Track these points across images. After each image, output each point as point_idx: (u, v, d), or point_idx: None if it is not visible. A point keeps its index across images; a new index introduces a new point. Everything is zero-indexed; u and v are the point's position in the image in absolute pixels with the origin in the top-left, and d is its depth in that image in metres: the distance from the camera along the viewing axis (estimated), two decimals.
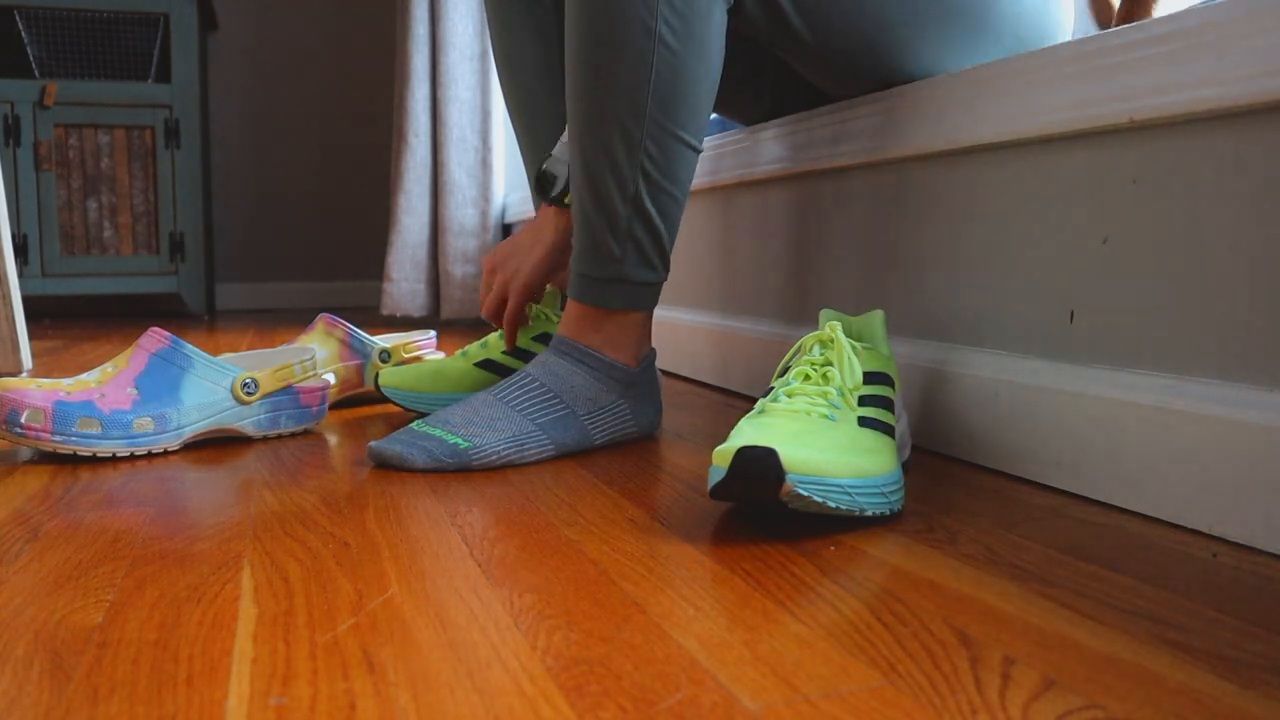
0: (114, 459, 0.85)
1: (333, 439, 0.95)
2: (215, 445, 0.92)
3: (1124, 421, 0.68)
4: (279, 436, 0.96)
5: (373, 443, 0.81)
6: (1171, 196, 0.67)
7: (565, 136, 1.01)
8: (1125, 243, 0.71)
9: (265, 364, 0.99)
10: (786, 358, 0.75)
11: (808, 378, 0.70)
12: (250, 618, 0.48)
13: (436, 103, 2.27)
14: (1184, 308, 0.66)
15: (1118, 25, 1.04)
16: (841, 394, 0.69)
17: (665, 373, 1.45)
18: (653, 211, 0.85)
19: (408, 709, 0.39)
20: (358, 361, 1.14)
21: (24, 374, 1.39)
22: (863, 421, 0.67)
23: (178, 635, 0.46)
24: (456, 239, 2.26)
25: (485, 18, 2.23)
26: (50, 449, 0.82)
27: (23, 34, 2.55)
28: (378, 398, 1.19)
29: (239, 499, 0.71)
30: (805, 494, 0.59)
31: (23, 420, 0.81)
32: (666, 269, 0.89)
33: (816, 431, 0.64)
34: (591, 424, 0.87)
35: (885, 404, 0.70)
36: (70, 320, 2.64)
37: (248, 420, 0.92)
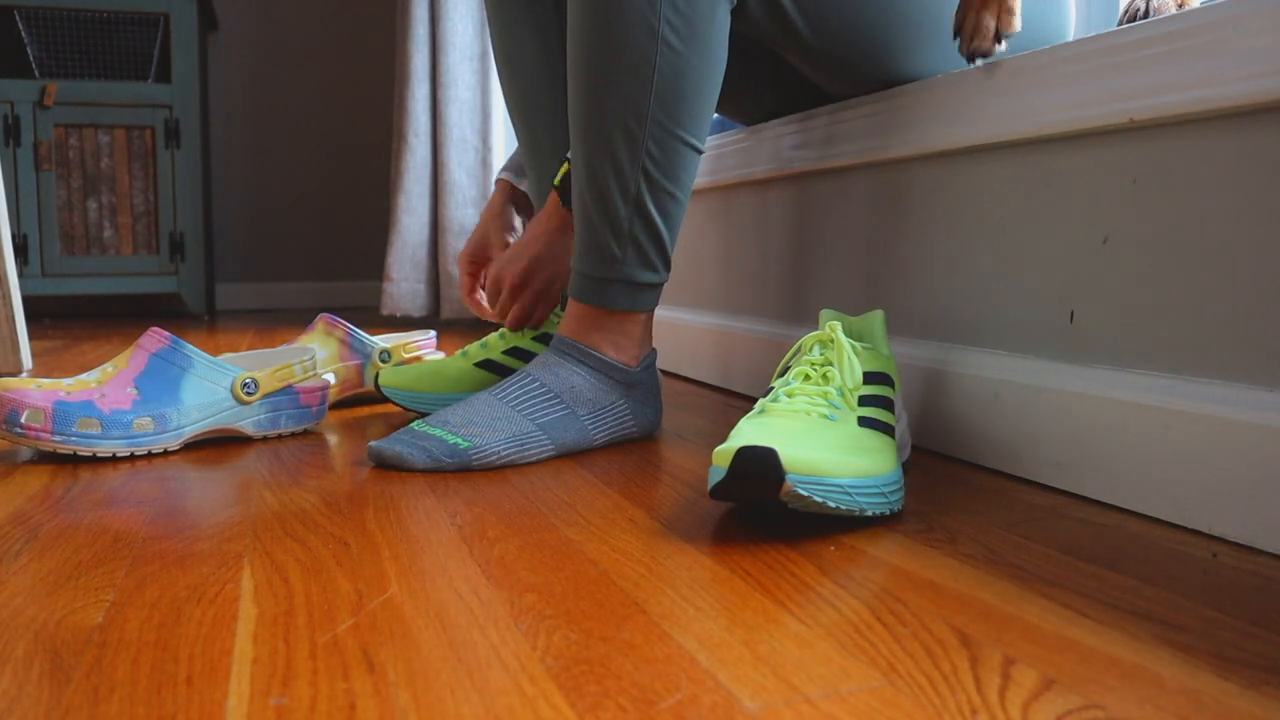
0: (114, 459, 0.85)
1: (333, 439, 0.95)
2: (215, 445, 0.92)
3: (1124, 421, 0.68)
4: (279, 436, 0.96)
5: (373, 443, 0.81)
6: (1171, 196, 0.67)
7: None
8: (1125, 243, 0.71)
9: (265, 364, 0.99)
10: (786, 358, 0.75)
11: (808, 378, 0.70)
12: (250, 618, 0.48)
13: (436, 103, 2.27)
14: (1184, 308, 0.66)
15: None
16: (841, 394, 0.69)
17: (665, 373, 1.45)
18: (654, 212, 0.85)
19: (408, 709, 0.39)
20: (358, 361, 1.14)
21: (24, 374, 1.39)
22: (863, 421, 0.67)
23: (178, 635, 0.46)
24: (456, 239, 2.26)
25: (485, 17, 2.23)
26: (50, 449, 0.82)
27: (23, 34, 2.55)
28: (378, 398, 1.19)
29: (239, 499, 0.71)
30: (805, 494, 0.59)
31: (23, 420, 0.81)
32: (668, 269, 0.89)
33: (816, 431, 0.64)
34: (592, 424, 0.87)
35: (885, 404, 0.70)
36: (70, 320, 2.64)
37: (248, 420, 0.92)
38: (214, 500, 0.71)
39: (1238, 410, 0.61)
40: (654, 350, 0.93)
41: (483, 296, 1.15)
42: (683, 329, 1.40)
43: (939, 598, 0.51)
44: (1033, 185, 0.79)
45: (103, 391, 0.85)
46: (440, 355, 1.24)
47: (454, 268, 2.26)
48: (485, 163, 2.28)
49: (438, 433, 0.81)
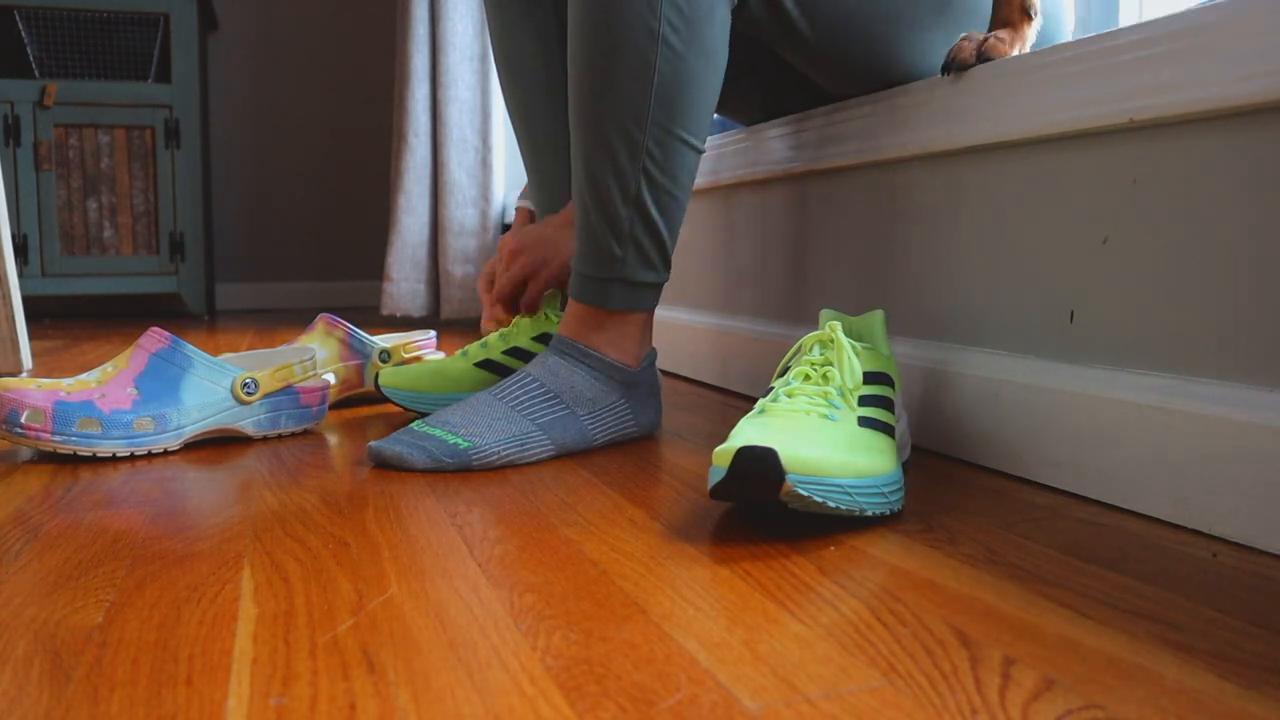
0: (114, 459, 0.85)
1: (333, 439, 0.95)
2: (215, 445, 0.92)
3: (1124, 421, 0.68)
4: (279, 436, 0.96)
5: (373, 443, 0.81)
6: (1171, 196, 0.67)
7: None
8: (1125, 243, 0.71)
9: (265, 364, 0.99)
10: (786, 358, 0.75)
11: (808, 378, 0.70)
12: (250, 618, 0.48)
13: (436, 103, 2.27)
14: (1184, 308, 0.66)
15: None
16: (841, 394, 0.69)
17: (665, 373, 1.45)
18: (654, 212, 0.85)
19: (408, 709, 0.39)
20: (358, 361, 1.14)
21: (24, 374, 1.39)
22: (863, 421, 0.67)
23: (178, 635, 0.46)
24: (456, 239, 2.26)
25: (485, 18, 2.23)
26: (50, 449, 0.82)
27: (23, 34, 2.55)
28: (378, 398, 1.19)
29: (239, 499, 0.71)
30: (805, 494, 0.59)
31: (23, 420, 0.81)
32: (668, 269, 0.89)
33: (816, 431, 0.64)
34: (592, 424, 0.87)
35: (885, 404, 0.70)
36: (70, 320, 2.64)
37: (248, 420, 0.92)
38: (214, 500, 0.71)
39: (1238, 410, 0.61)
40: (654, 350, 0.93)
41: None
42: (682, 329, 1.40)
43: (939, 598, 0.51)
44: (1033, 185, 0.79)
45: (103, 391, 0.85)
46: (440, 355, 1.25)
47: (454, 268, 2.26)
48: (485, 163, 2.28)
49: (438, 433, 0.81)
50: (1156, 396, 0.66)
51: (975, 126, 0.83)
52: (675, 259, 1.46)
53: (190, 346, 0.89)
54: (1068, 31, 1.00)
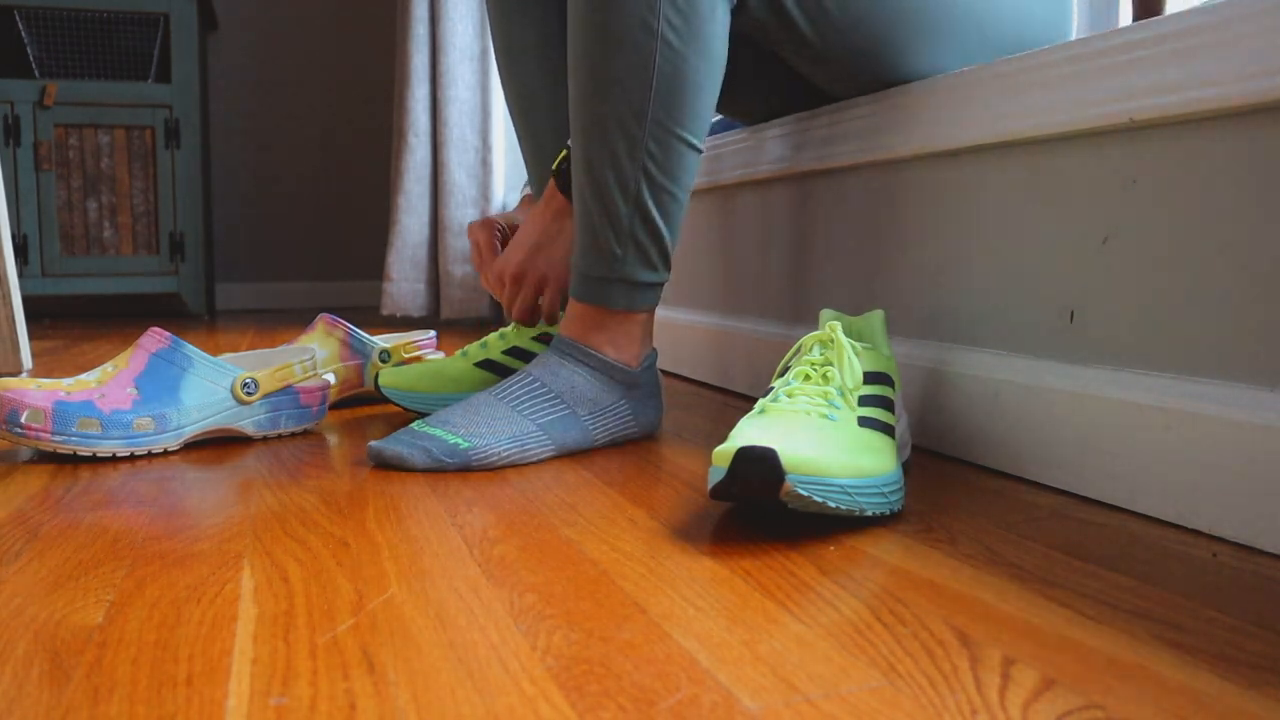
0: (114, 459, 0.85)
1: (333, 439, 0.95)
2: (215, 445, 0.92)
3: (1124, 421, 0.68)
4: (279, 436, 0.96)
5: (373, 443, 0.81)
6: (1171, 196, 0.67)
7: None
8: (1125, 243, 0.71)
9: (265, 364, 0.99)
10: (786, 358, 0.75)
11: (808, 378, 0.70)
12: (250, 618, 0.48)
13: (436, 103, 2.27)
14: (1184, 308, 0.66)
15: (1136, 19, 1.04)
16: (842, 394, 0.69)
17: (665, 373, 1.45)
18: (654, 211, 0.85)
19: (408, 709, 0.39)
20: (358, 361, 1.14)
21: (24, 374, 1.39)
22: (863, 422, 0.67)
23: (178, 635, 0.46)
24: (456, 239, 2.26)
25: (485, 17, 2.24)
26: (50, 449, 0.82)
27: (23, 34, 2.55)
28: (378, 398, 1.19)
29: (239, 499, 0.71)
30: (805, 494, 0.59)
31: (23, 420, 0.81)
32: (668, 269, 0.89)
33: (817, 431, 0.64)
34: (592, 424, 0.87)
35: (885, 404, 0.70)
36: (70, 320, 2.64)
37: (248, 420, 0.92)
38: (214, 500, 0.71)
39: (1238, 410, 0.61)
40: (654, 350, 0.93)
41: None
42: (683, 329, 1.40)
43: (939, 598, 0.51)
44: (1033, 185, 0.79)
45: (102, 391, 0.85)
46: (440, 355, 1.25)
47: (454, 268, 2.26)
48: (485, 163, 2.28)
49: (438, 433, 0.80)
50: (1156, 396, 0.66)
51: (975, 126, 0.83)
52: (676, 259, 1.46)
53: (190, 346, 0.89)
54: (1069, 32, 1.00)
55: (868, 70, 0.95)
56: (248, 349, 1.82)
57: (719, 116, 1.41)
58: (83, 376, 0.88)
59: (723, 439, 0.94)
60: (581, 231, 0.88)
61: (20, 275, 2.52)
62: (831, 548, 0.60)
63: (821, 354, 0.72)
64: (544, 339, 1.05)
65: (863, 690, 0.40)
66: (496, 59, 1.09)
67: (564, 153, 0.97)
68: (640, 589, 0.52)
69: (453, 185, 2.25)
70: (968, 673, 0.42)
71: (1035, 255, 0.79)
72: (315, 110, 3.17)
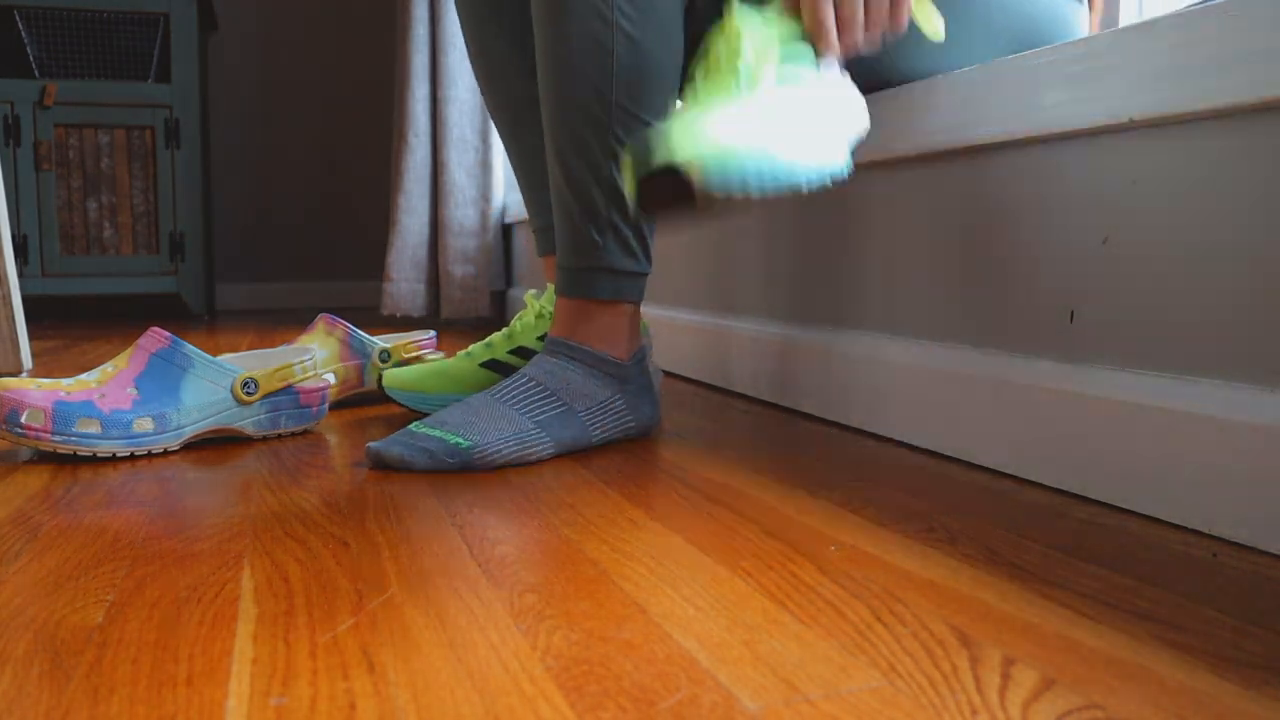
0: (114, 459, 0.85)
1: (333, 439, 0.95)
2: (215, 445, 0.92)
3: (1124, 421, 0.68)
4: (279, 436, 0.96)
5: (372, 444, 0.81)
6: (1171, 196, 0.67)
7: None
8: (1125, 243, 0.71)
9: (265, 364, 0.99)
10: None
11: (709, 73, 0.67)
12: (250, 617, 0.48)
13: (436, 103, 2.27)
14: (1184, 308, 0.66)
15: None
16: (750, 72, 0.65)
17: (665, 373, 1.45)
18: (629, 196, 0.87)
19: (407, 709, 0.39)
20: (358, 361, 1.14)
21: (24, 374, 1.39)
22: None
23: (178, 635, 0.46)
24: (456, 239, 2.26)
25: None
26: (50, 449, 0.82)
27: (23, 34, 2.55)
28: (378, 398, 1.19)
29: (239, 499, 0.71)
30: (721, 190, 0.55)
31: (23, 420, 0.81)
32: (649, 260, 0.90)
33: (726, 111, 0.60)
34: (590, 421, 0.87)
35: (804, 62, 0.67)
36: (70, 320, 2.64)
37: (248, 420, 0.92)
38: (214, 500, 0.71)
39: (1238, 410, 0.61)
40: (644, 348, 0.94)
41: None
42: (683, 329, 1.40)
43: (939, 598, 0.51)
44: (1033, 185, 0.79)
45: (102, 391, 0.85)
46: (439, 355, 1.25)
47: (454, 268, 2.26)
48: (485, 163, 2.28)
49: (437, 433, 0.81)
50: (1156, 396, 0.66)
51: (975, 126, 0.83)
52: (676, 259, 1.46)
53: (190, 346, 0.89)
54: (1078, 30, 1.00)
55: (851, 72, 0.95)
56: (247, 349, 1.82)
57: None
58: (83, 376, 0.87)
59: (723, 439, 0.94)
60: (561, 226, 0.90)
61: (20, 275, 2.52)
62: (832, 548, 0.60)
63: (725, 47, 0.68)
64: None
65: (863, 690, 0.40)
66: (478, 81, 1.10)
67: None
68: (640, 589, 0.52)
69: (453, 185, 2.25)
70: (968, 673, 0.42)
71: (1035, 255, 0.79)
72: (315, 110, 3.17)
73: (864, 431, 0.98)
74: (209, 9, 2.81)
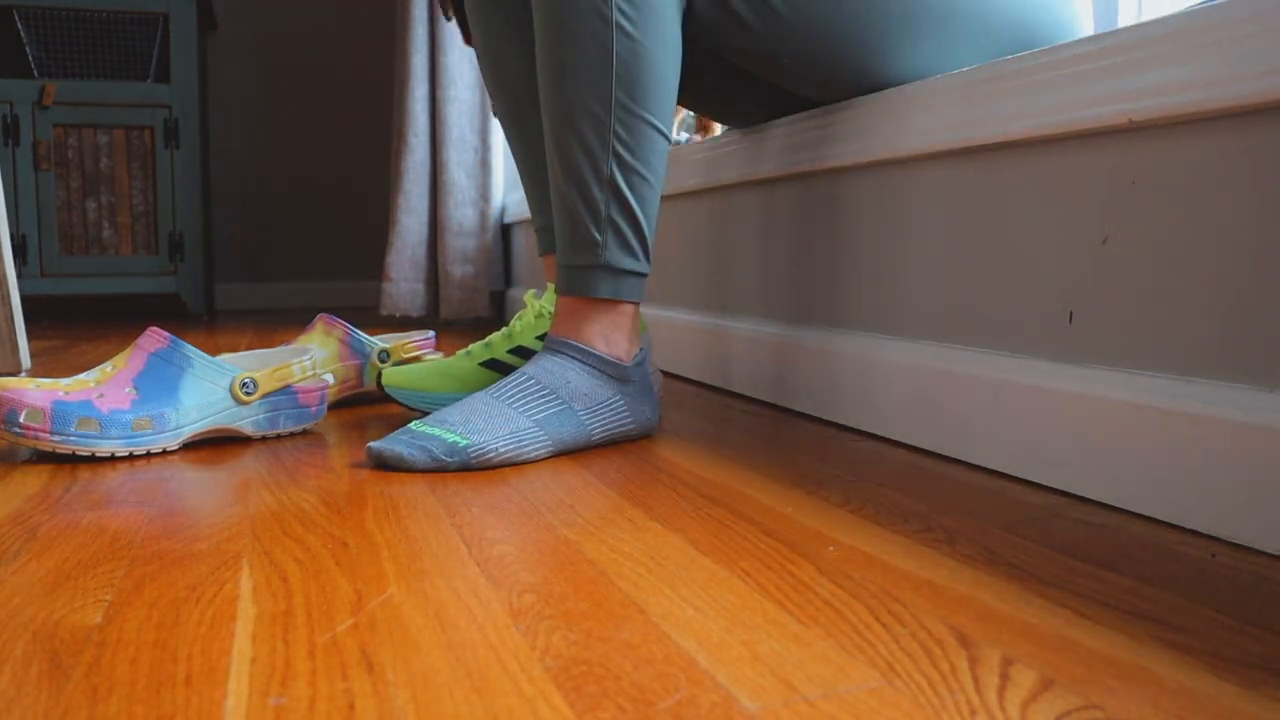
0: (113, 459, 0.84)
1: (332, 439, 0.95)
2: (214, 445, 0.92)
3: (1124, 421, 0.68)
4: (278, 436, 0.96)
5: (372, 443, 0.81)
6: (1171, 196, 0.67)
7: None
8: (1125, 243, 0.71)
9: (264, 364, 0.99)
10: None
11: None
12: (249, 618, 0.48)
13: (436, 103, 2.27)
14: (1184, 308, 0.66)
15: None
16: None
17: (665, 373, 1.45)
18: (629, 194, 0.88)
19: (407, 709, 0.38)
20: (357, 361, 1.14)
21: (23, 374, 1.39)
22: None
23: (176, 635, 0.46)
24: (456, 239, 2.26)
25: None
26: (49, 449, 0.82)
27: (22, 34, 2.55)
28: (377, 398, 1.19)
29: (238, 499, 0.71)
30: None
31: (21, 420, 0.81)
32: (648, 260, 0.91)
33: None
34: (589, 419, 0.87)
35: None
36: (69, 320, 2.64)
37: (246, 420, 0.92)
38: (213, 500, 0.71)
39: (1238, 410, 0.61)
40: (645, 349, 0.93)
41: None
42: (683, 329, 1.40)
43: (938, 598, 0.51)
44: (1033, 185, 0.79)
45: (101, 391, 0.84)
46: (438, 355, 1.24)
47: (453, 268, 2.26)
48: (485, 163, 2.28)
49: (436, 432, 0.81)
50: (1156, 396, 0.66)
51: (975, 126, 0.83)
52: (676, 260, 1.46)
53: (189, 346, 0.89)
54: (1078, 30, 1.00)
55: (841, 75, 0.96)
56: (247, 349, 1.82)
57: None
58: (81, 376, 0.87)
59: (722, 439, 0.94)
60: (561, 221, 0.90)
61: (19, 275, 2.52)
62: (830, 548, 0.60)
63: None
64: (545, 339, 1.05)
65: (861, 690, 0.40)
66: (484, 78, 1.10)
67: None
68: (640, 589, 0.52)
69: (452, 185, 2.25)
70: (966, 673, 0.42)
71: (1035, 255, 0.79)
72: (315, 110, 3.17)
73: (863, 431, 0.98)
74: (209, 9, 2.81)
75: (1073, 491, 0.73)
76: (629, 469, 0.81)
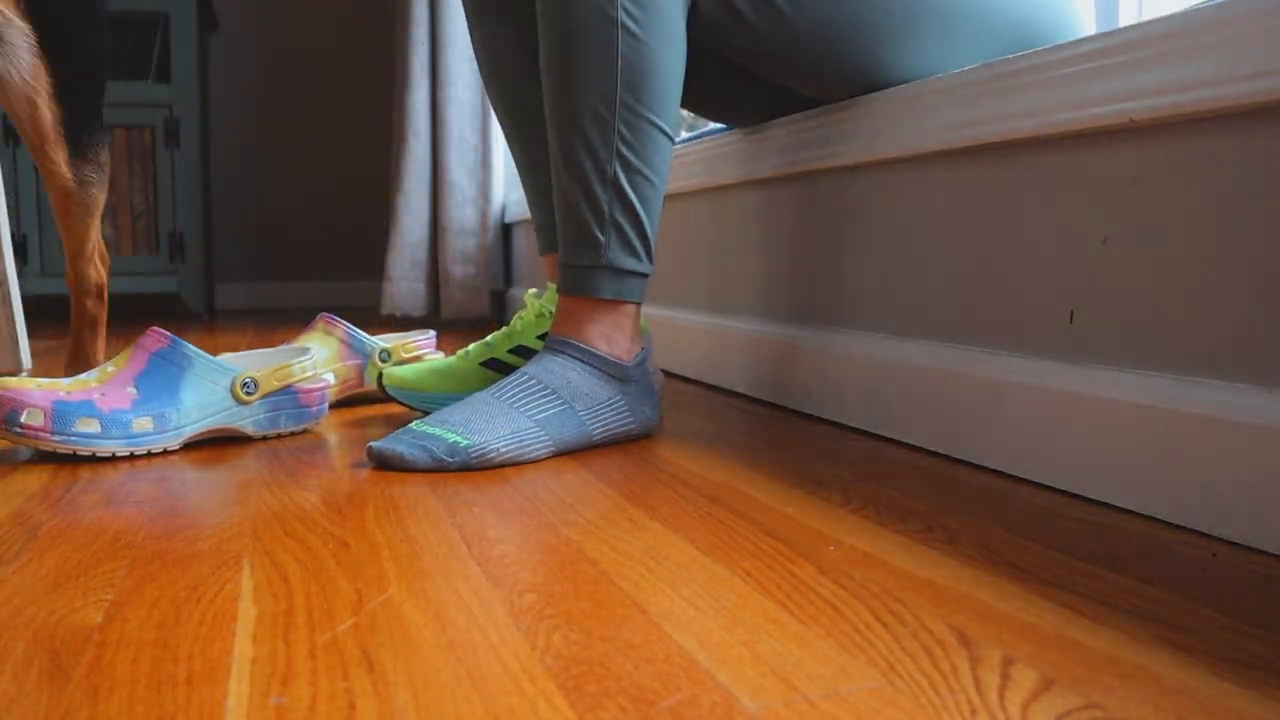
0: (114, 458, 0.84)
1: (332, 439, 0.95)
2: (215, 445, 0.92)
3: (1124, 421, 0.68)
4: (279, 436, 0.96)
5: (372, 443, 0.81)
6: (1171, 196, 0.67)
7: None
8: (1125, 243, 0.71)
9: (265, 364, 0.99)
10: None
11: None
12: (250, 617, 0.48)
13: (436, 102, 2.27)
14: (1184, 308, 0.66)
15: None
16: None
17: (665, 373, 1.45)
18: (632, 195, 0.88)
19: (407, 709, 0.39)
20: (357, 361, 1.14)
21: (23, 373, 1.39)
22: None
23: (177, 635, 0.46)
24: (456, 239, 2.26)
25: None
26: (50, 448, 0.82)
27: None
28: (378, 398, 1.19)
29: (238, 499, 0.71)
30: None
31: (22, 420, 0.81)
32: (651, 260, 0.91)
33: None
34: (590, 419, 0.87)
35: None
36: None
37: (247, 420, 0.92)
38: (214, 500, 0.71)
39: (1238, 410, 0.61)
40: (646, 350, 0.93)
41: None
42: (683, 329, 1.40)
43: (938, 598, 0.51)
44: (1033, 185, 0.79)
45: (102, 391, 0.85)
46: (439, 355, 1.25)
47: (453, 267, 2.26)
48: (485, 162, 2.28)
49: (437, 432, 0.81)
50: (1156, 396, 0.66)
51: (976, 126, 0.83)
52: (677, 260, 1.46)
53: (190, 346, 0.89)
54: (1078, 30, 1.00)
55: (843, 75, 0.96)
56: (247, 349, 1.82)
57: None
58: (82, 376, 0.87)
59: (722, 439, 0.94)
60: (564, 221, 0.90)
61: (20, 275, 2.52)
62: (831, 548, 0.60)
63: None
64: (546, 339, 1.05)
65: (862, 690, 0.40)
66: (484, 80, 1.10)
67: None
68: (640, 589, 0.52)
69: (452, 185, 2.25)
70: (967, 673, 0.42)
71: (1035, 255, 0.79)
72: (315, 110, 3.17)
73: (863, 431, 0.98)
74: (209, 9, 2.81)
75: (1073, 491, 0.73)
76: (630, 469, 0.81)
